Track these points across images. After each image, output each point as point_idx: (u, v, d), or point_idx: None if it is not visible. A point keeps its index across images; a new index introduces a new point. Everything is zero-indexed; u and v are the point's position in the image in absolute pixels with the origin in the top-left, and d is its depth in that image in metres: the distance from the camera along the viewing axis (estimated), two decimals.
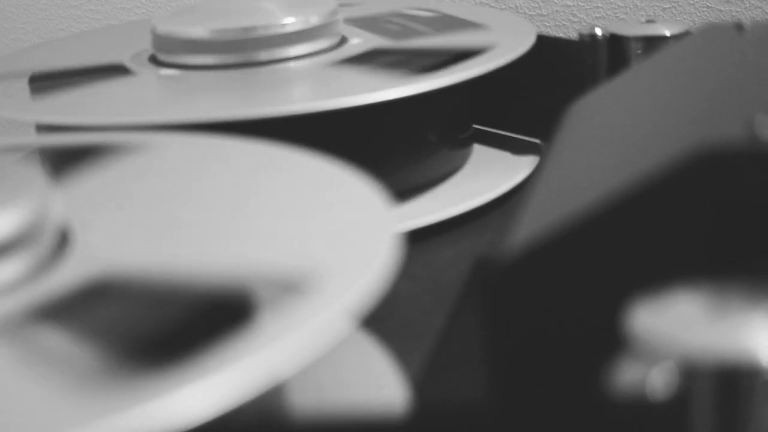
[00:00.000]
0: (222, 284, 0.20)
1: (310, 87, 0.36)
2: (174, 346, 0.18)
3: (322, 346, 0.18)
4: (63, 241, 0.22)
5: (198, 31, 0.38)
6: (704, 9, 0.49)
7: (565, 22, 0.51)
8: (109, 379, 0.17)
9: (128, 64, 0.40)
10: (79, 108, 0.35)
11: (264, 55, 0.38)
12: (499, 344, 0.19)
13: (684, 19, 0.49)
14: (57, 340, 0.18)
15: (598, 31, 0.38)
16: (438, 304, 0.30)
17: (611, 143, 0.23)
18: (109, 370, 0.17)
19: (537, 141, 0.41)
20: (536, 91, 0.41)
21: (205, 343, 0.18)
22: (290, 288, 0.19)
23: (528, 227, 0.20)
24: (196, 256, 0.21)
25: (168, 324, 0.19)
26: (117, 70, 0.39)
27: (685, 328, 0.16)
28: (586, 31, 0.39)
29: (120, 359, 0.18)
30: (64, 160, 0.27)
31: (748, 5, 0.48)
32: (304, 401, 0.23)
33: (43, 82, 0.39)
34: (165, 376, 0.17)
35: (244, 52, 0.37)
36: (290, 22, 0.38)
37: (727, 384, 0.15)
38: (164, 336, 0.18)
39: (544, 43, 0.40)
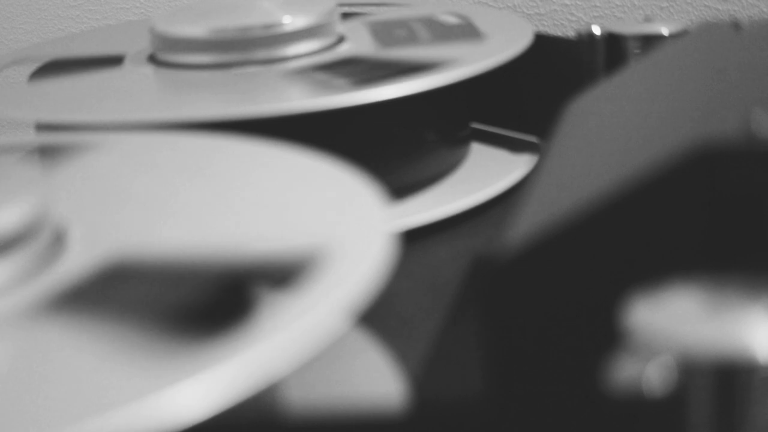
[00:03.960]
0: (218, 277, 0.20)
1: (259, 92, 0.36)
2: (206, 316, 0.19)
3: (318, 342, 0.18)
4: (59, 237, 0.22)
5: (197, 30, 0.38)
6: (702, 8, 0.49)
7: (563, 21, 0.51)
8: (159, 348, 0.17)
9: (127, 62, 0.40)
10: (78, 106, 0.35)
11: (255, 55, 0.38)
12: (497, 340, 0.19)
13: (682, 17, 0.49)
14: (95, 319, 0.19)
15: (596, 30, 0.38)
16: (436, 301, 0.30)
17: (609, 140, 0.23)
18: (154, 341, 0.18)
19: (535, 139, 0.41)
20: (535, 90, 0.41)
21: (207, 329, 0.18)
22: (287, 284, 0.19)
23: (526, 224, 0.20)
24: (194, 248, 0.21)
25: (181, 302, 0.19)
26: (116, 61, 0.39)
27: (683, 323, 0.16)
28: (584, 29, 0.39)
29: (159, 331, 0.18)
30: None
31: (745, 4, 0.48)
32: (303, 398, 0.23)
33: (42, 75, 0.39)
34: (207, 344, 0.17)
35: (239, 51, 0.38)
36: (287, 22, 0.38)
37: (724, 380, 0.15)
38: (194, 308, 0.19)
39: (542, 41, 0.40)
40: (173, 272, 0.20)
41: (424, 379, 0.24)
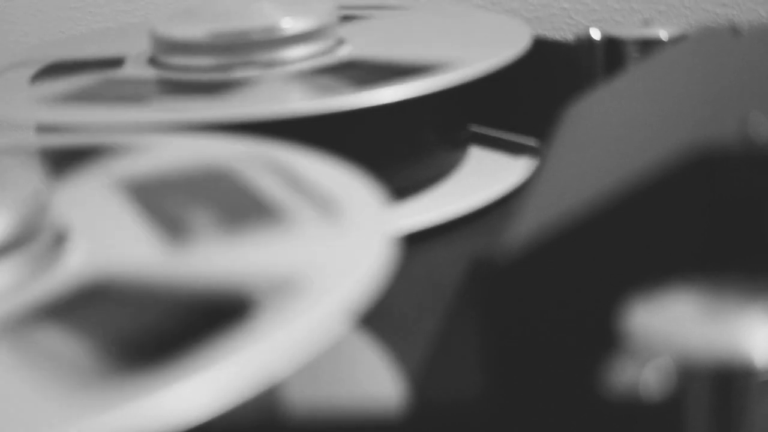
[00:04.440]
0: (219, 284, 0.20)
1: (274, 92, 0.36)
2: (172, 345, 0.18)
3: (318, 344, 0.18)
4: (60, 242, 0.22)
5: (196, 32, 0.38)
6: (701, 12, 0.49)
7: (562, 25, 0.51)
8: (104, 378, 0.17)
9: (128, 64, 0.40)
10: (77, 106, 0.35)
11: (258, 58, 0.38)
12: (496, 343, 0.19)
13: (680, 22, 0.49)
14: (53, 340, 0.18)
15: (595, 34, 0.38)
16: (436, 303, 0.30)
17: (608, 144, 0.23)
18: (105, 370, 0.17)
19: (534, 143, 0.42)
20: (534, 94, 0.41)
21: (202, 343, 0.18)
22: (287, 287, 0.20)
23: (526, 227, 0.20)
24: (194, 257, 0.22)
25: (165, 324, 0.19)
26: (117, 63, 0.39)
27: (681, 327, 0.16)
28: (582, 33, 0.39)
29: (116, 359, 0.18)
30: (64, 160, 0.27)
31: (744, 8, 0.48)
32: (303, 399, 0.23)
33: (43, 78, 0.39)
34: (160, 374, 0.17)
35: (240, 53, 0.38)
36: (288, 26, 0.38)
37: (721, 384, 0.16)
38: (161, 336, 0.19)
39: (541, 45, 0.40)
40: (160, 290, 0.20)
41: (423, 381, 0.24)
